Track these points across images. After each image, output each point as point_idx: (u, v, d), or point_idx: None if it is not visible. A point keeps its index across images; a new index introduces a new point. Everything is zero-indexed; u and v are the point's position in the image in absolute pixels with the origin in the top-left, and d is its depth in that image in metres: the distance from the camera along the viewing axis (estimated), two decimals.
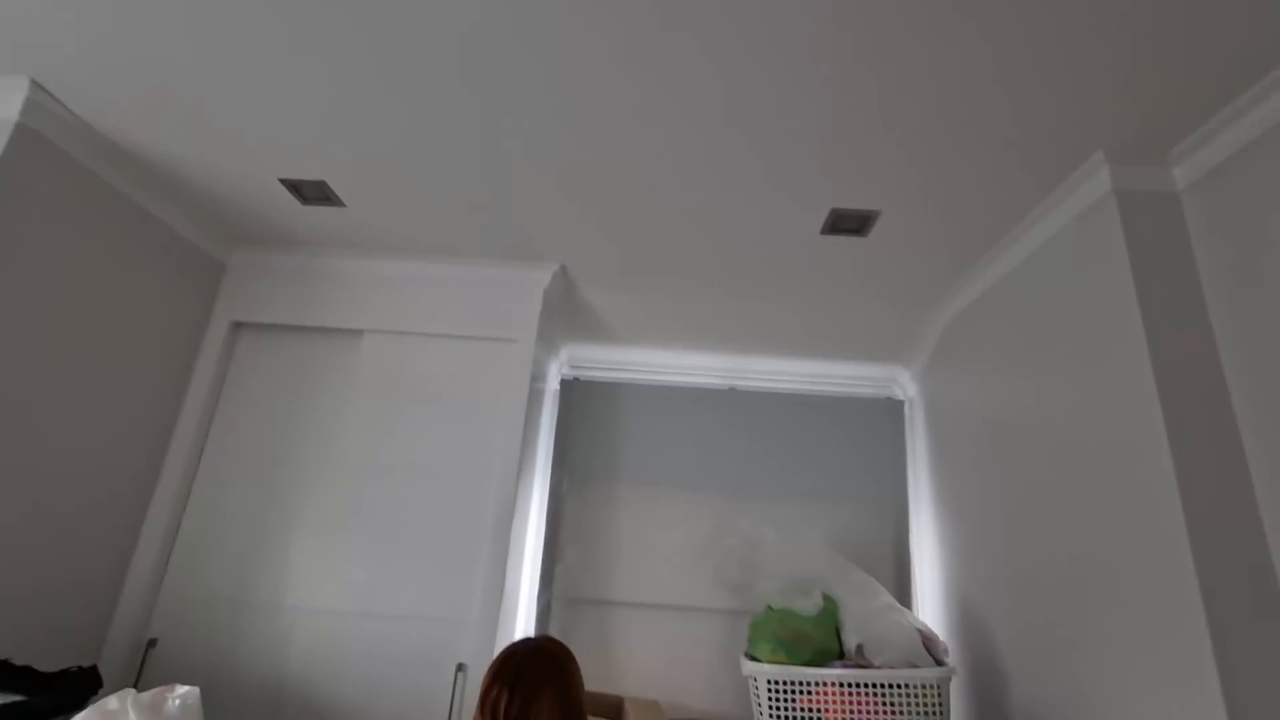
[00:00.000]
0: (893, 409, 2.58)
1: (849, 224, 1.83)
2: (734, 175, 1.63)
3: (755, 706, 1.78)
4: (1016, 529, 1.79)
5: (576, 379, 2.61)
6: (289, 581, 1.99)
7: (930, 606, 2.28)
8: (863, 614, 1.82)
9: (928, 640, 1.84)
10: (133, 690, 1.18)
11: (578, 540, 2.40)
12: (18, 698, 1.31)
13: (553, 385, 2.57)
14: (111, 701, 1.14)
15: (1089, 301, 1.53)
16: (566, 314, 2.44)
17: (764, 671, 1.75)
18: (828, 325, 2.37)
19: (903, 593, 2.34)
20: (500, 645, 1.82)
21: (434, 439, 2.08)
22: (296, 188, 1.86)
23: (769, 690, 1.73)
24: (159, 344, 2.01)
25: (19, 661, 1.44)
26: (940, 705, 1.66)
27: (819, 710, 1.70)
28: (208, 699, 1.43)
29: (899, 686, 1.67)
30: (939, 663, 1.75)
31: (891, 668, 1.69)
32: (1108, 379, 1.45)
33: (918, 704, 1.66)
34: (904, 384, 2.61)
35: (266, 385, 2.21)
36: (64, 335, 1.68)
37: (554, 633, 2.24)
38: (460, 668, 1.88)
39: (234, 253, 2.25)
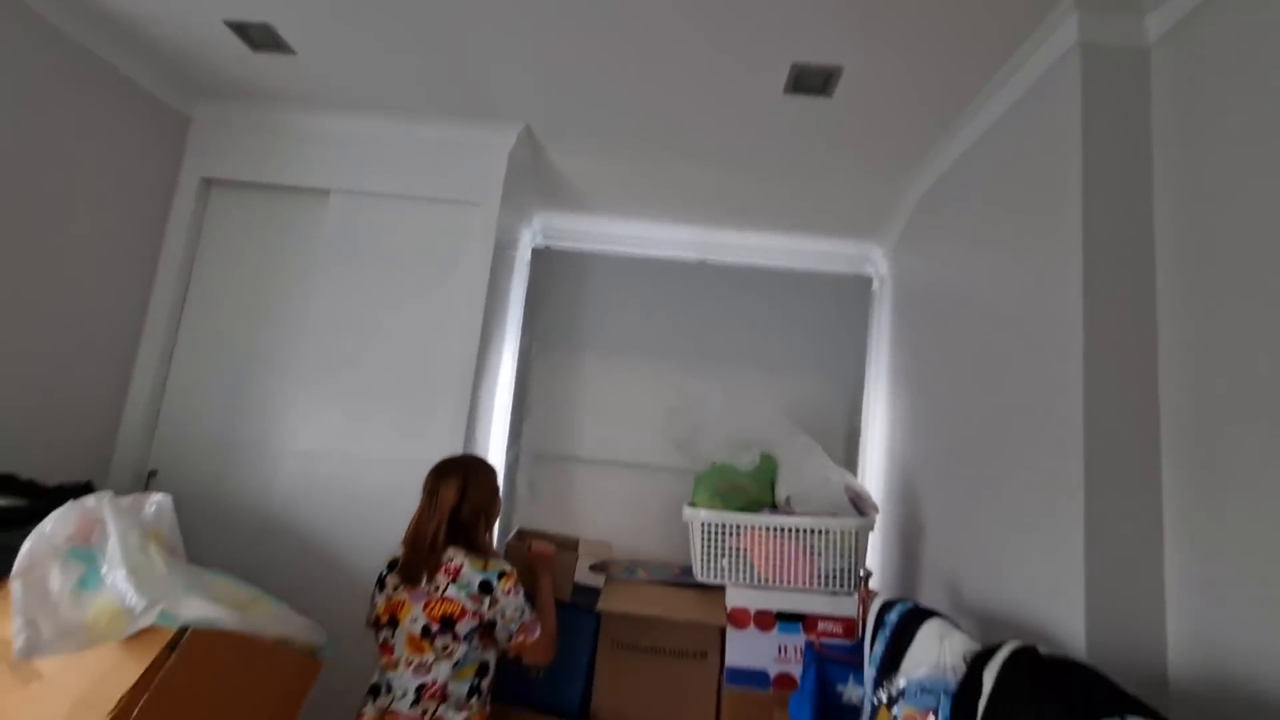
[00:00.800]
0: (861, 287, 2.59)
1: (812, 82, 1.76)
2: (693, 25, 1.56)
3: (693, 548, 1.96)
4: (954, 403, 1.85)
5: (548, 248, 2.63)
6: (272, 425, 2.15)
7: (875, 474, 2.42)
8: (796, 471, 1.94)
9: (857, 497, 1.97)
10: (110, 492, 1.34)
11: (545, 401, 2.53)
12: (20, 502, 1.48)
13: (524, 253, 2.60)
14: (90, 500, 1.30)
15: (1040, 173, 1.48)
16: (536, 180, 2.42)
17: (699, 516, 1.91)
18: (799, 195, 2.32)
19: (850, 462, 2.47)
20: None
21: (401, 298, 2.15)
22: (244, 31, 1.81)
23: (703, 532, 1.90)
24: (130, 197, 2.06)
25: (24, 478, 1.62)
26: (855, 551, 1.81)
27: (746, 549, 1.87)
28: (202, 528, 1.62)
29: (818, 532, 1.82)
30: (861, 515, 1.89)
31: (813, 516, 1.83)
32: (1044, 256, 1.44)
33: (834, 548, 1.82)
34: (876, 261, 2.60)
35: (241, 243, 2.27)
36: (32, 186, 1.73)
37: (520, 484, 2.43)
38: None
39: (197, 106, 2.23)
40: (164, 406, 2.18)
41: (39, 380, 1.82)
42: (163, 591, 1.21)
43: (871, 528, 1.87)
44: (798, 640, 1.76)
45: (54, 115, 1.77)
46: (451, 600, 1.48)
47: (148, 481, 2.12)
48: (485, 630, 1.53)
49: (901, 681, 1.16)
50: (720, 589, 1.88)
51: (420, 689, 1.47)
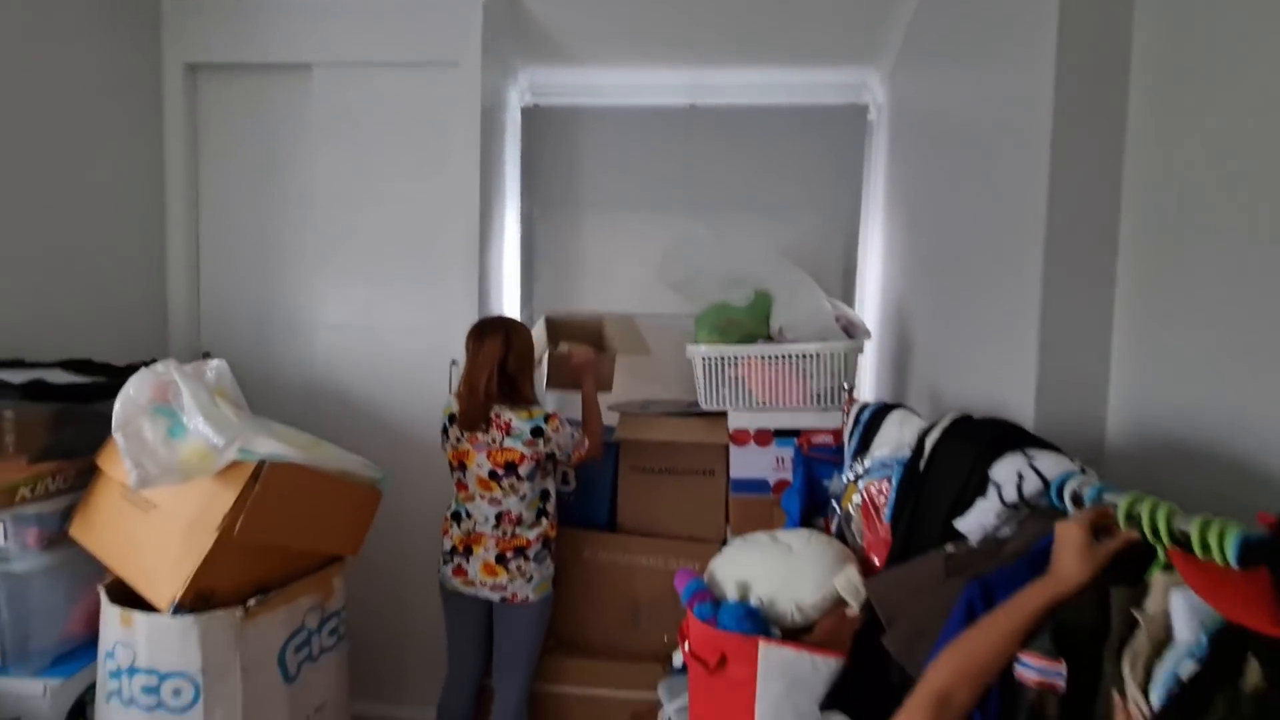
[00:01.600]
0: (856, 117, 2.54)
1: None
2: None
3: (696, 381, 2.14)
4: (940, 224, 1.90)
5: (537, 106, 2.61)
6: (302, 302, 2.32)
7: (871, 305, 2.53)
8: (789, 303, 2.06)
9: (849, 324, 2.10)
10: (173, 360, 1.54)
11: (551, 262, 2.64)
12: (101, 379, 1.70)
13: (514, 114, 2.58)
14: (159, 366, 1.50)
15: None
16: (516, 32, 2.35)
17: (700, 351, 2.07)
18: (790, 14, 2.22)
19: (847, 295, 2.57)
20: None
21: (397, 169, 2.22)
22: None
23: (704, 366, 2.07)
24: (123, 98, 2.10)
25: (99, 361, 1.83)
26: (844, 372, 1.97)
27: (744, 378, 2.05)
28: (255, 399, 1.82)
29: (809, 357, 1.98)
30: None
31: (804, 342, 1.98)
32: (1019, 62, 1.43)
33: (825, 370, 1.98)
34: (873, 88, 2.52)
35: (238, 127, 2.31)
36: (32, 98, 1.78)
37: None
38: (454, 363, 2.27)
39: None
40: (202, 294, 2.36)
41: (87, 285, 1.97)
42: (238, 432, 1.44)
43: (859, 350, 2.02)
44: (792, 452, 1.98)
45: (38, 23, 1.78)
46: (510, 449, 1.77)
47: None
48: (544, 464, 1.82)
49: (868, 461, 1.35)
50: (723, 415, 2.08)
51: (499, 516, 1.81)
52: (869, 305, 2.55)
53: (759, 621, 1.23)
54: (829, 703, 1.13)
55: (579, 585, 2.16)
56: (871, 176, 2.52)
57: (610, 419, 2.27)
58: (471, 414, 1.79)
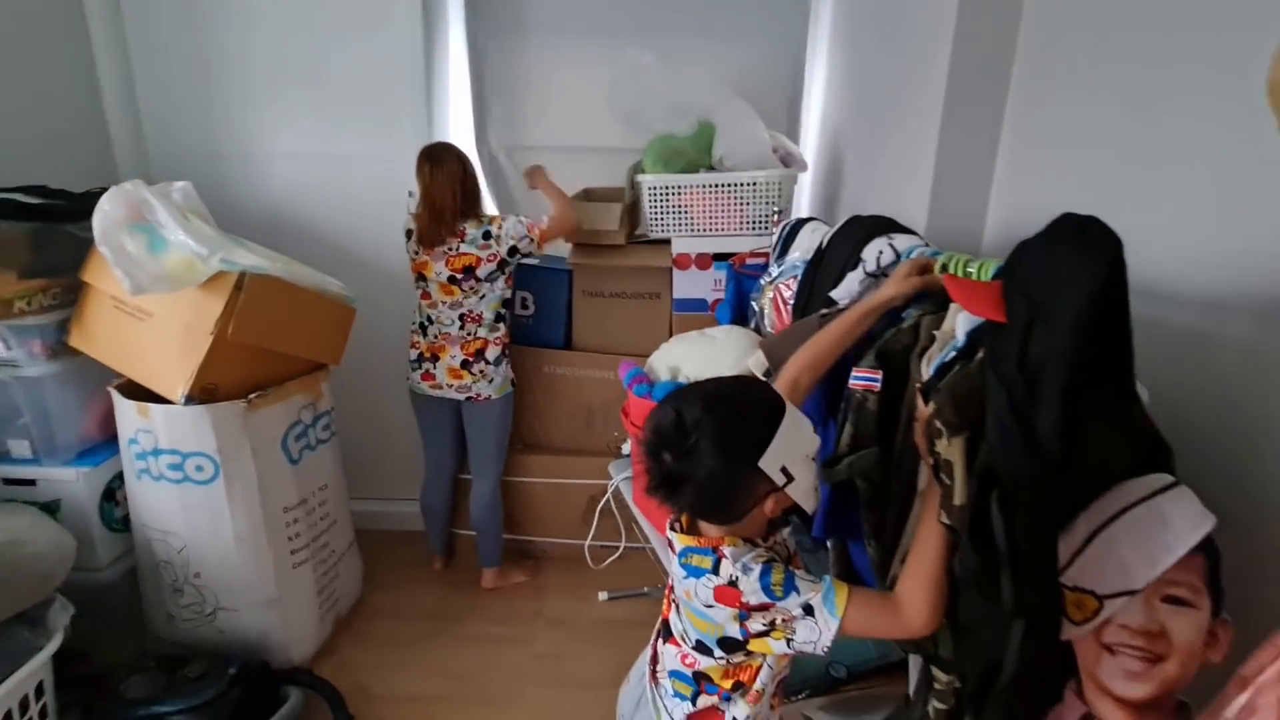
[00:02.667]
0: None
1: None
2: None
3: (642, 209, 2.29)
4: (874, 54, 1.99)
5: None
6: (252, 132, 2.32)
7: (813, 137, 2.65)
8: (731, 133, 2.17)
9: (787, 154, 2.24)
10: (140, 180, 1.62)
11: (502, 92, 2.63)
12: (60, 202, 1.75)
13: None
14: (128, 186, 1.58)
15: None
16: None
17: (646, 180, 2.21)
18: None
19: (792, 127, 2.67)
20: None
21: None
22: None
23: (649, 194, 2.22)
24: None
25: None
26: (779, 198, 2.14)
27: (686, 206, 2.21)
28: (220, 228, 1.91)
29: (747, 185, 2.13)
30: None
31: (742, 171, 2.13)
32: None
33: (761, 197, 2.15)
34: None
35: None
36: None
37: (491, 179, 2.67)
38: (410, 194, 2.35)
39: None
40: (143, 121, 2.32)
41: (22, 112, 1.94)
42: (219, 245, 1.57)
43: (794, 180, 2.18)
44: (727, 272, 2.20)
45: None
46: (466, 254, 1.98)
47: None
48: (505, 265, 2.04)
49: (783, 264, 1.58)
50: (667, 242, 2.27)
51: (461, 317, 2.05)
52: (811, 135, 2.66)
53: None
54: None
55: (540, 395, 2.45)
56: (818, 4, 2.52)
57: (564, 250, 2.43)
58: (433, 230, 1.97)
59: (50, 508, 1.72)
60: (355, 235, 2.41)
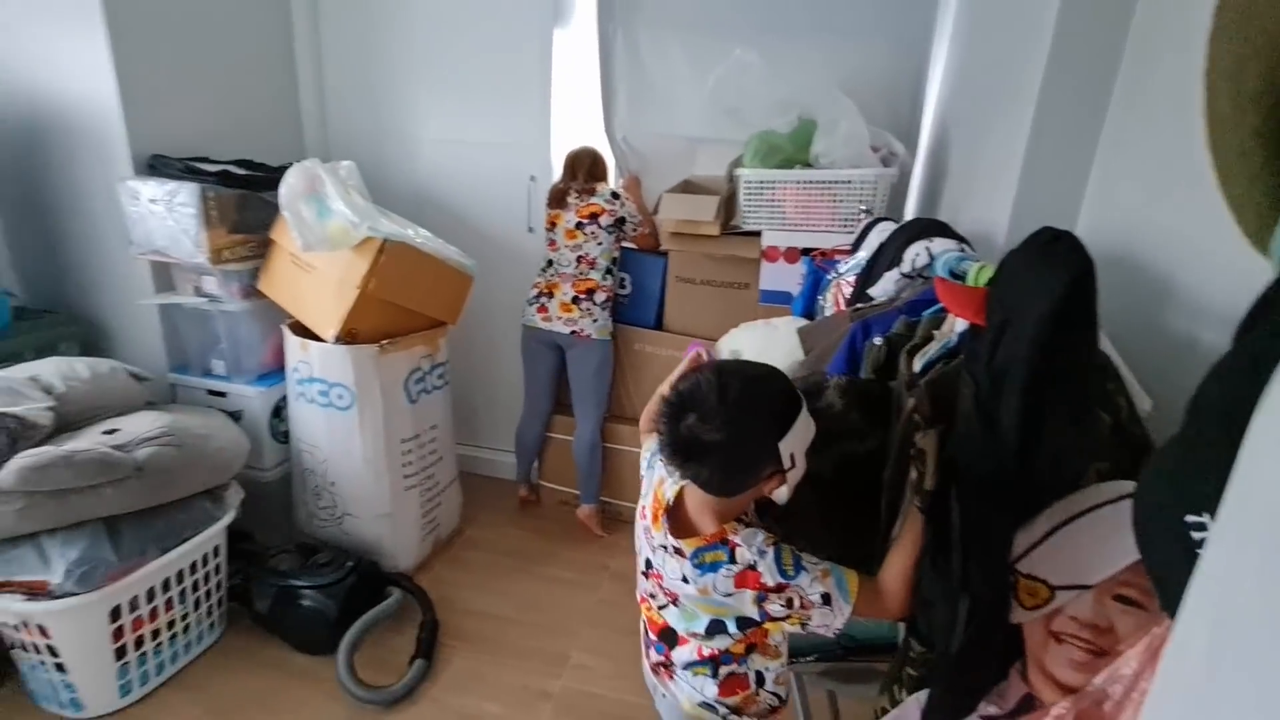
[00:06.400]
0: None
1: None
2: None
3: (738, 202, 2.39)
4: (985, 52, 1.94)
5: None
6: (409, 118, 2.71)
7: (925, 138, 2.59)
8: (830, 131, 2.21)
9: (889, 154, 2.25)
10: (316, 159, 2.00)
11: (628, 82, 2.79)
12: (259, 174, 2.19)
13: None
14: (307, 163, 1.97)
15: None
16: None
17: (742, 175, 2.31)
18: None
19: (912, 124, 2.62)
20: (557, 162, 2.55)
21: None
22: None
23: (745, 188, 2.32)
24: None
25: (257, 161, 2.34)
26: (872, 198, 2.16)
27: (781, 200, 2.29)
28: (375, 201, 2.28)
29: (841, 183, 2.17)
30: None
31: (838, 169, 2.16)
32: None
33: (855, 196, 2.17)
34: None
35: None
36: None
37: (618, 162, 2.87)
38: (532, 179, 2.64)
39: None
40: (327, 109, 2.79)
41: (242, 99, 2.43)
42: (368, 216, 1.91)
43: (889, 180, 2.18)
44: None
45: None
46: (594, 205, 2.36)
47: None
48: (618, 227, 2.41)
49: (850, 261, 1.64)
50: (759, 234, 2.36)
51: (578, 259, 2.41)
52: (924, 136, 2.60)
53: None
54: None
55: (629, 371, 2.65)
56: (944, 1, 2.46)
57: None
58: (562, 193, 2.42)
59: (235, 415, 2.18)
60: (478, 213, 2.74)
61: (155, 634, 1.75)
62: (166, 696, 1.80)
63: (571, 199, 2.40)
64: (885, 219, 1.66)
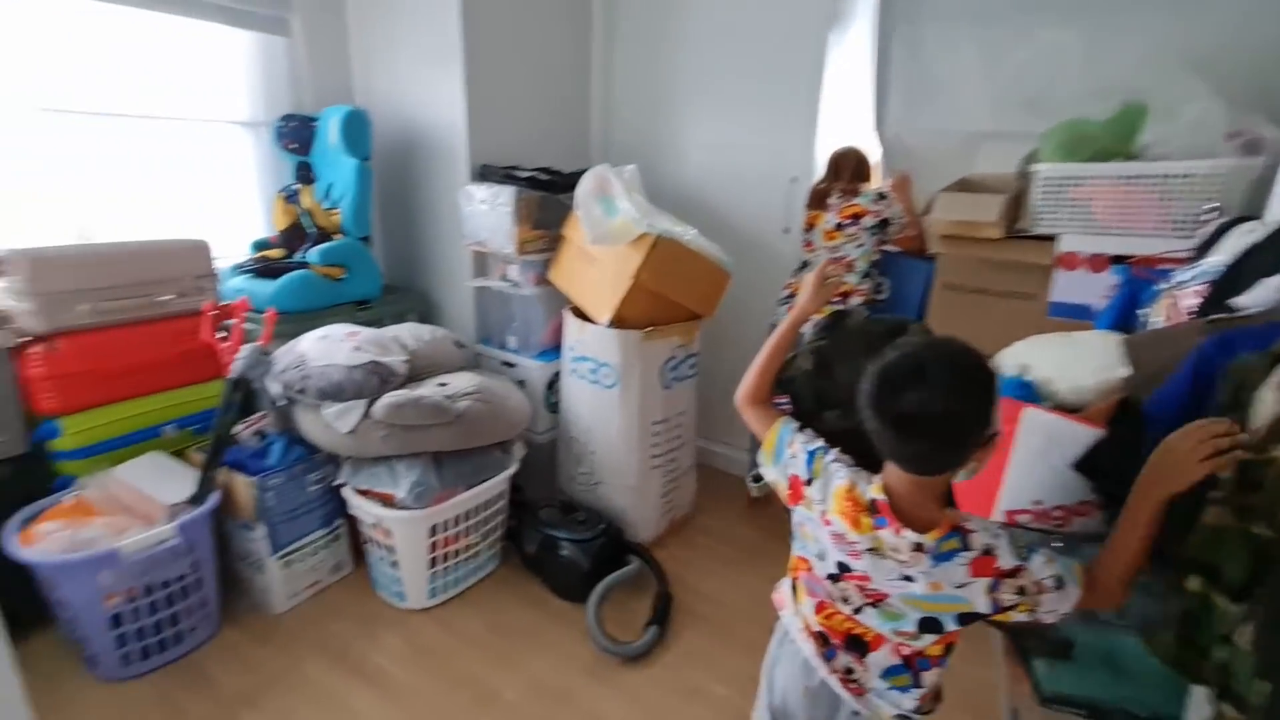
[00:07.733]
0: None
1: None
2: None
3: (1031, 203, 2.12)
4: None
5: None
6: (680, 125, 2.91)
7: None
8: (1168, 116, 1.85)
9: (1252, 142, 1.81)
10: (606, 164, 2.25)
11: (905, 78, 2.65)
12: (556, 178, 2.53)
13: None
14: (598, 169, 2.23)
15: None
16: None
17: (1040, 170, 2.04)
18: None
19: None
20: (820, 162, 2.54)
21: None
22: None
23: (1043, 185, 2.05)
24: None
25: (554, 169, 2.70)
26: (1221, 194, 1.75)
27: (1088, 200, 1.98)
28: (652, 200, 2.51)
29: (1177, 177, 1.80)
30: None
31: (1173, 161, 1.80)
32: None
33: (1196, 193, 1.78)
34: None
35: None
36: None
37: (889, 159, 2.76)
38: (793, 180, 2.65)
39: None
40: (612, 121, 3.12)
41: (545, 115, 2.84)
42: (648, 214, 2.11)
43: (1248, 173, 1.75)
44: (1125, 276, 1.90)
45: None
46: (857, 205, 2.34)
47: None
48: (881, 228, 2.34)
49: (1194, 269, 1.36)
50: (1050, 238, 2.07)
51: (837, 259, 2.36)
52: None
53: (1030, 392, 1.44)
54: (1081, 465, 1.33)
55: None
56: None
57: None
58: (823, 194, 2.43)
59: (521, 384, 2.56)
60: (737, 213, 2.83)
61: (456, 554, 2.14)
62: (457, 607, 2.19)
63: (833, 199, 2.38)
64: (1247, 218, 1.34)
